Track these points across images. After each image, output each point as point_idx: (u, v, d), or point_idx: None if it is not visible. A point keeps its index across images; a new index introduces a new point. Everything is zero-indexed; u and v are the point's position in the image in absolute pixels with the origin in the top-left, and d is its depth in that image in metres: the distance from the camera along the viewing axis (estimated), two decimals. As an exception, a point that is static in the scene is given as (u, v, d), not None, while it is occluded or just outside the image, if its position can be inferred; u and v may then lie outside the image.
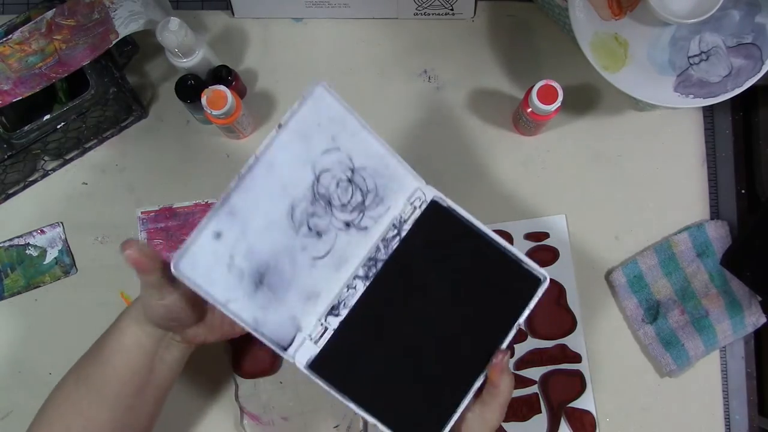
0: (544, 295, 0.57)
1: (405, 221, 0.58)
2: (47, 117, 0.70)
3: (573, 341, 0.75)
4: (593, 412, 0.74)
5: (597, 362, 0.75)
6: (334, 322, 0.57)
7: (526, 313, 0.57)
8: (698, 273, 0.75)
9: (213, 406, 0.74)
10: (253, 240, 0.53)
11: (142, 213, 0.76)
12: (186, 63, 0.71)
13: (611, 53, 0.66)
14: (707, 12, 0.61)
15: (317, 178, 0.55)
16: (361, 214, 0.57)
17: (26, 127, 0.70)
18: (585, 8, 0.66)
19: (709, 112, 0.79)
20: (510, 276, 0.58)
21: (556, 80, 0.68)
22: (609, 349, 0.75)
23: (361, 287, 0.57)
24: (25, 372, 0.75)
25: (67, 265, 0.76)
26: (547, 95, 0.67)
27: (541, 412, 0.74)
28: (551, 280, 0.75)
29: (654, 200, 0.77)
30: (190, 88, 0.71)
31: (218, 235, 0.51)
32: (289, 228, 0.55)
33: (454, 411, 0.55)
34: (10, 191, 0.77)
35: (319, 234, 0.56)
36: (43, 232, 0.76)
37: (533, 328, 0.75)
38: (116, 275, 0.75)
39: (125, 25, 0.68)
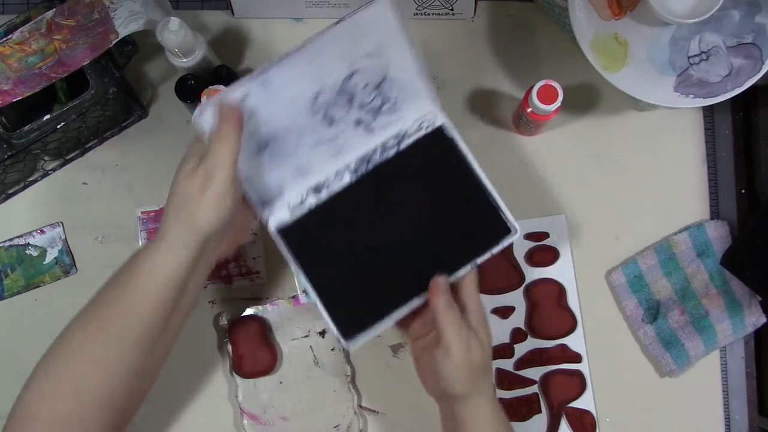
0: (507, 247, 0.61)
1: (408, 136, 0.62)
2: (47, 117, 0.70)
3: (573, 341, 0.75)
4: (593, 412, 0.74)
5: (597, 362, 0.75)
6: (312, 200, 0.60)
7: (487, 256, 0.60)
8: (698, 273, 0.75)
9: (212, 406, 0.74)
10: (273, 110, 0.56)
11: (142, 213, 0.76)
12: (186, 63, 0.71)
13: (611, 53, 0.66)
14: (707, 12, 0.61)
15: (350, 75, 0.57)
16: (374, 118, 0.60)
17: (26, 127, 0.70)
18: (585, 8, 0.66)
19: (709, 112, 0.78)
20: (485, 218, 0.61)
21: (556, 80, 0.67)
22: (609, 349, 0.75)
23: (347, 179, 0.61)
24: (25, 372, 0.75)
25: (67, 265, 0.76)
26: (547, 95, 0.67)
27: (541, 412, 0.74)
28: (551, 280, 0.75)
29: (654, 200, 0.77)
30: (190, 88, 0.71)
31: (244, 98, 0.54)
32: (308, 110, 0.58)
33: (387, 317, 0.59)
34: (10, 191, 0.77)
35: (330, 122, 0.59)
36: (43, 232, 0.76)
37: (533, 328, 0.75)
38: (116, 275, 0.75)
39: (125, 25, 0.68)
